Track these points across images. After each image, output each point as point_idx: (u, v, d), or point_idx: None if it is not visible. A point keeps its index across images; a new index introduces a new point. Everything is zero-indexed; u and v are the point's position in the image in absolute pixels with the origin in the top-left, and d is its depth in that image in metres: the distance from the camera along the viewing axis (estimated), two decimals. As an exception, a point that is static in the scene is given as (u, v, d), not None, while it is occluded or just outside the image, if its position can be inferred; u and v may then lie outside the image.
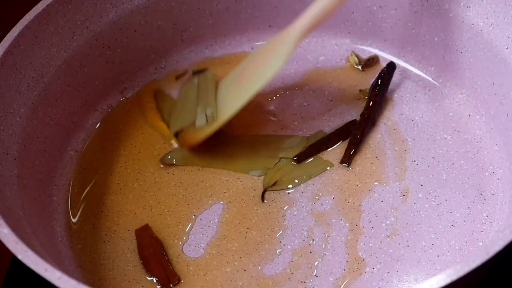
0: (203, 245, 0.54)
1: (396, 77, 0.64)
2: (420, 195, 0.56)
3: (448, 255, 0.52)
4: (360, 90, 0.64)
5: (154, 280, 0.52)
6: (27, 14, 0.56)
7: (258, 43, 0.68)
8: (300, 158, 0.59)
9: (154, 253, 0.53)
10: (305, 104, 0.63)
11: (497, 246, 0.42)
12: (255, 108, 0.63)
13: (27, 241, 0.44)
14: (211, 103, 0.61)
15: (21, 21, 0.56)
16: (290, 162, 0.59)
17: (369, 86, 0.64)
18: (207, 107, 0.60)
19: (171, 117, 0.63)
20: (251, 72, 0.59)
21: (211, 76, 0.64)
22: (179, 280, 0.52)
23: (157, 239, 0.54)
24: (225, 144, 0.61)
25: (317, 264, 0.52)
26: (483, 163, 0.58)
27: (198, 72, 0.65)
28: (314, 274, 0.52)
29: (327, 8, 0.56)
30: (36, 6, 0.57)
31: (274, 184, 0.57)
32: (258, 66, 0.59)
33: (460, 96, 0.62)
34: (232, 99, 0.59)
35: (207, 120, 0.59)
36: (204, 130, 0.59)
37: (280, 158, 0.59)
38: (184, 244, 0.54)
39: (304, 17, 0.57)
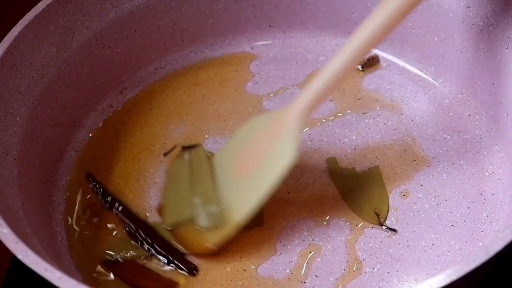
0: (203, 245, 0.54)
1: (396, 77, 0.65)
2: (420, 195, 0.56)
3: (448, 255, 0.52)
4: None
5: None
6: (27, 14, 0.56)
7: (258, 43, 0.68)
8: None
9: (134, 271, 0.52)
10: (305, 104, 0.63)
11: (497, 246, 0.42)
12: (254, 108, 0.63)
13: (27, 241, 0.44)
14: (212, 198, 0.53)
15: (21, 21, 0.56)
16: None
17: (369, 86, 0.64)
18: (209, 204, 0.53)
19: (164, 203, 0.56)
20: (255, 161, 0.53)
21: (203, 155, 0.57)
22: (177, 283, 0.52)
23: (128, 259, 0.53)
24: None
25: (317, 264, 0.52)
26: (483, 163, 0.58)
27: (188, 148, 0.59)
28: (314, 274, 0.52)
29: (333, 80, 0.51)
30: (36, 6, 0.57)
31: (378, 215, 0.54)
32: (262, 153, 0.53)
33: (460, 96, 0.62)
34: (240, 194, 0.52)
35: (210, 220, 0.52)
36: (212, 235, 0.52)
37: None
38: (184, 244, 0.54)
39: (306, 93, 0.52)
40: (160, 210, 0.56)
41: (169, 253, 0.53)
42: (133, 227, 0.54)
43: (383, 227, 0.54)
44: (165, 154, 0.59)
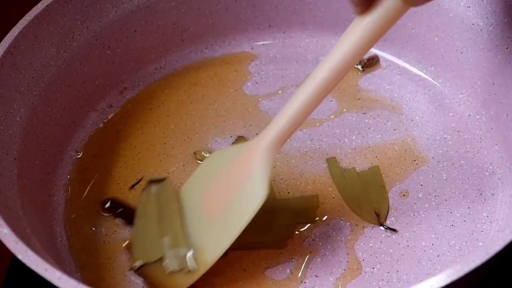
0: (203, 245, 0.54)
1: (396, 77, 0.65)
2: (420, 195, 0.56)
3: (448, 255, 0.52)
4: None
5: None
6: (27, 14, 0.56)
7: (258, 43, 0.68)
8: None
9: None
10: (305, 104, 0.63)
11: (497, 246, 0.42)
12: (253, 108, 0.63)
13: (27, 241, 0.44)
14: (180, 239, 0.51)
15: (21, 21, 0.56)
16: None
17: (369, 86, 0.64)
18: (177, 246, 0.51)
19: (133, 240, 0.54)
20: (224, 199, 0.51)
21: (171, 190, 0.55)
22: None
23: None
24: None
25: (317, 264, 0.52)
26: (483, 163, 0.58)
27: (155, 182, 0.56)
28: (314, 274, 0.52)
29: (304, 111, 0.49)
30: (36, 6, 0.57)
31: (378, 215, 0.54)
32: (231, 191, 0.50)
33: (460, 96, 0.62)
34: (209, 235, 0.50)
35: (179, 263, 0.50)
36: (181, 277, 0.50)
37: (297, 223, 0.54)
38: (184, 244, 0.54)
39: (275, 124, 0.50)
40: (129, 247, 0.54)
41: None
42: None
43: (383, 227, 0.54)
44: (131, 187, 0.57)
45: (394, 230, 0.54)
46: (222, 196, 0.51)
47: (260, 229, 0.53)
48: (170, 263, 0.50)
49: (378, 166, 0.57)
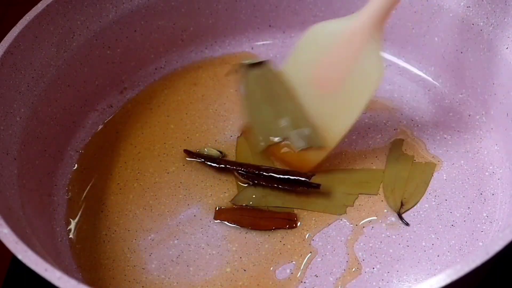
0: (203, 245, 0.54)
1: (396, 77, 0.64)
2: (420, 195, 0.56)
3: (448, 255, 0.52)
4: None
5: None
6: (27, 14, 0.56)
7: (258, 43, 0.68)
8: None
9: (250, 217, 0.55)
10: (305, 104, 0.63)
11: (497, 246, 0.42)
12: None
13: (27, 241, 0.44)
14: (300, 118, 0.54)
15: (21, 21, 0.56)
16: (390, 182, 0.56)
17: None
18: (299, 126, 0.54)
19: (251, 126, 0.57)
20: (338, 76, 0.52)
21: (274, 73, 0.56)
22: (296, 216, 0.54)
23: (237, 208, 0.55)
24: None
25: (317, 264, 0.52)
26: (483, 163, 0.58)
27: (251, 66, 0.58)
28: (314, 274, 0.52)
29: None
30: (36, 6, 0.57)
31: (402, 204, 0.55)
32: (344, 69, 0.52)
33: (460, 96, 0.62)
34: (331, 113, 0.53)
35: (305, 141, 0.54)
36: (310, 156, 0.54)
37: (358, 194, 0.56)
38: (184, 244, 0.54)
39: (373, 3, 0.51)
40: (246, 132, 0.58)
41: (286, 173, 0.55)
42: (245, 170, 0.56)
43: (399, 216, 0.54)
44: (226, 74, 0.60)
45: (407, 224, 0.54)
46: (335, 73, 0.53)
47: (325, 193, 0.55)
48: (297, 143, 0.54)
49: (435, 164, 0.57)
